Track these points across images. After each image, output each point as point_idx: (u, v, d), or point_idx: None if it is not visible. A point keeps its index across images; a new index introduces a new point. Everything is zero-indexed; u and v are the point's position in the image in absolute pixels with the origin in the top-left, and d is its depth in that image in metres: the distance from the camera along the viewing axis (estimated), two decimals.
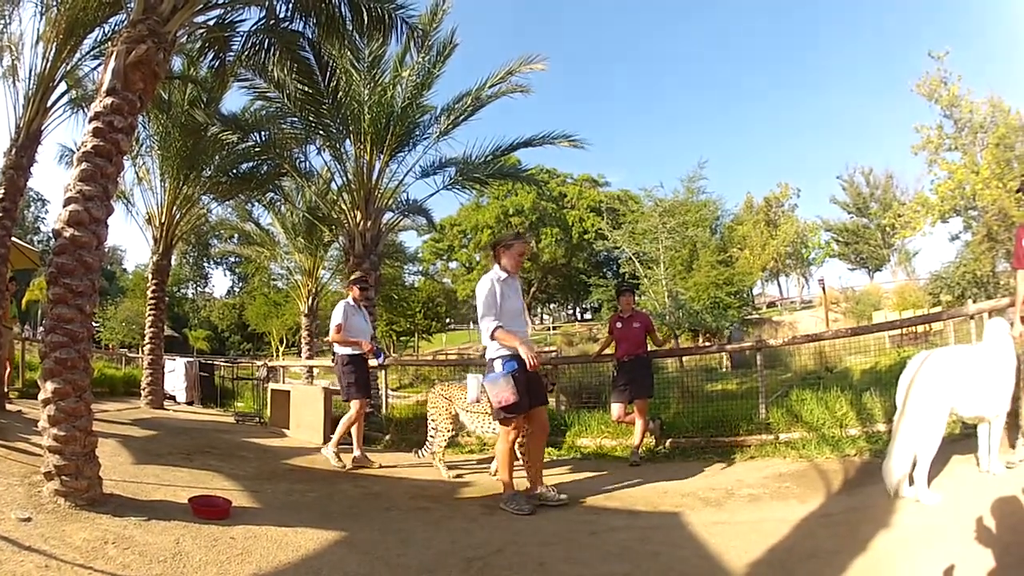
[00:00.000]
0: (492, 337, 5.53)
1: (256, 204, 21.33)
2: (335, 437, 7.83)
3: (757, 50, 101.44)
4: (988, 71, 66.75)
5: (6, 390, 10.47)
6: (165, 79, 9.45)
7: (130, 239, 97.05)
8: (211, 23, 7.99)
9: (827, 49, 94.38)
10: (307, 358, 22.04)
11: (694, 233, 29.74)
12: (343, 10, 8.40)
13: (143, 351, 15.56)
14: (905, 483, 4.68)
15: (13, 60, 9.57)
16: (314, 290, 23.06)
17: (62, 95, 9.95)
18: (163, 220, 14.61)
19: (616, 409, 7.64)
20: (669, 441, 7.96)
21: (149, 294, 15.02)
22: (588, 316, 64.81)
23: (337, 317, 7.96)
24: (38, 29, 9.26)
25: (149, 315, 14.78)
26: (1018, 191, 20.55)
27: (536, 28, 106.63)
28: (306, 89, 11.16)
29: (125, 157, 5.61)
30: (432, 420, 7.33)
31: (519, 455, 6.07)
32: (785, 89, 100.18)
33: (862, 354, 10.59)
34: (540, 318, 75.24)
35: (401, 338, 45.79)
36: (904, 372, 5.08)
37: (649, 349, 7.94)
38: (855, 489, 5.44)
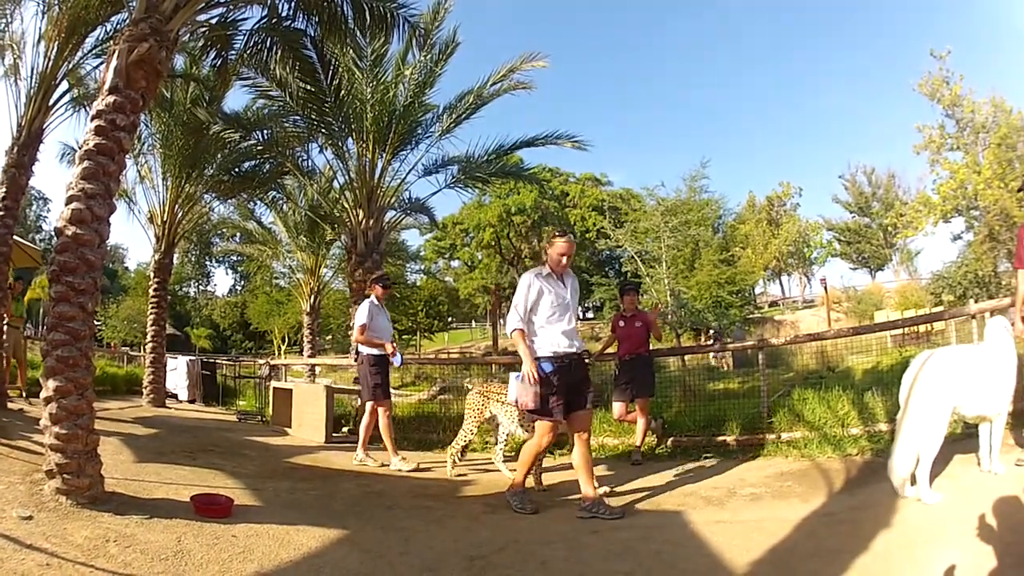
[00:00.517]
0: (512, 336, 5.42)
1: (258, 202, 21.35)
2: (389, 449, 7.64)
3: (759, 48, 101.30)
4: (990, 70, 66.74)
5: (9, 389, 10.51)
6: (167, 78, 9.46)
7: (132, 237, 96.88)
8: (213, 21, 7.99)
9: (830, 48, 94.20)
10: (309, 356, 22.08)
11: (696, 232, 29.80)
12: (345, 8, 8.38)
13: (145, 349, 15.58)
14: (907, 483, 4.68)
15: (15, 59, 9.57)
16: (316, 288, 23.13)
17: (64, 94, 9.96)
18: (165, 218, 14.61)
19: (618, 408, 7.62)
20: (671, 440, 7.95)
21: (151, 292, 15.03)
22: (590, 315, 64.72)
23: (362, 317, 7.73)
24: (40, 28, 9.27)
25: (151, 313, 14.80)
26: (1020, 191, 20.55)
27: (539, 26, 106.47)
28: (308, 87, 11.17)
29: (127, 155, 5.62)
30: (465, 419, 7.19)
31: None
32: (787, 88, 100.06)
33: (864, 354, 10.59)
34: None
35: (403, 337, 45.78)
36: (907, 371, 5.08)
37: (651, 348, 7.95)
38: (857, 488, 5.44)
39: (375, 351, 7.75)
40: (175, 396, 16.43)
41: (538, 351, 5.29)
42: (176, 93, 13.33)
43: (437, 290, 51.70)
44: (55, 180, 59.17)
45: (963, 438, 5.64)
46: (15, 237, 10.12)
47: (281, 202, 20.62)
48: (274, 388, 12.33)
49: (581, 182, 59.42)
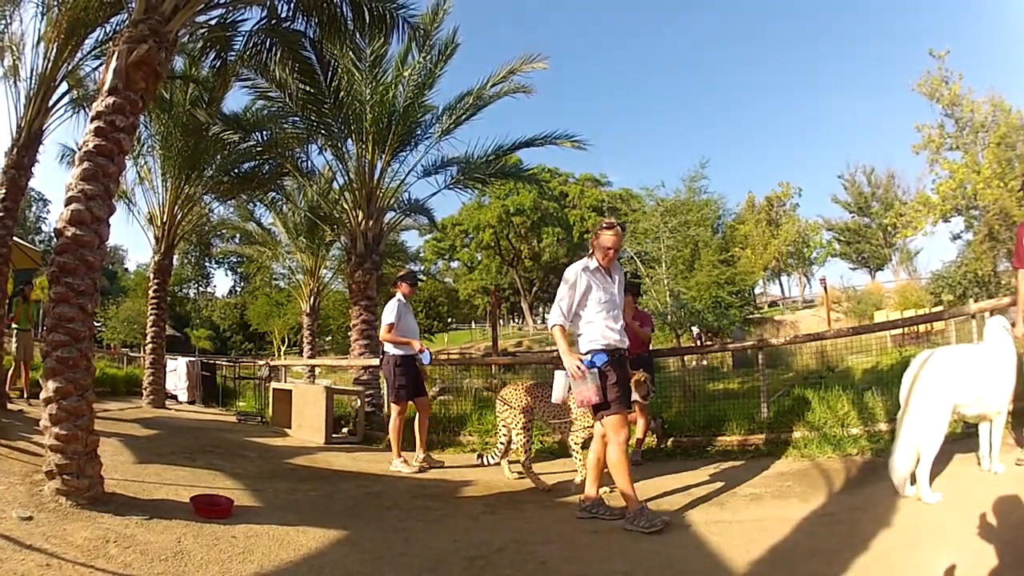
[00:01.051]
0: (551, 331, 5.17)
1: (258, 204, 21.40)
2: (394, 450, 7.61)
3: (759, 49, 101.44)
4: (990, 69, 66.77)
5: (10, 390, 10.55)
6: (167, 79, 9.47)
7: (132, 239, 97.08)
8: (212, 23, 8.02)
9: (829, 48, 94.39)
10: (309, 357, 22.09)
11: (696, 233, 29.79)
12: (344, 10, 8.39)
13: (145, 350, 15.59)
14: (907, 482, 4.69)
15: (14, 60, 9.58)
16: (316, 290, 23.15)
17: (63, 95, 9.95)
18: (165, 220, 14.62)
19: None
20: (671, 440, 7.94)
21: (151, 294, 15.05)
22: None
23: (389, 316, 7.60)
24: (39, 29, 9.27)
25: (151, 314, 14.80)
26: (1020, 190, 20.56)
27: (538, 28, 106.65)
28: (308, 89, 11.19)
29: (127, 156, 5.62)
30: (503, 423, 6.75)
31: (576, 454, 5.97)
32: (786, 88, 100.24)
33: (864, 353, 10.60)
34: (542, 317, 75.26)
35: None
36: (907, 370, 5.09)
37: (651, 348, 7.95)
38: (857, 488, 5.45)
39: (401, 351, 7.63)
40: (175, 397, 16.45)
41: (591, 344, 5.02)
42: (175, 94, 13.35)
43: (437, 291, 51.65)
44: (55, 181, 59.12)
45: (963, 437, 5.65)
46: (15, 238, 10.13)
47: (281, 203, 20.67)
48: (274, 389, 12.35)
49: (580, 183, 59.60)
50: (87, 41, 9.52)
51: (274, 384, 12.88)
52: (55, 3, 8.95)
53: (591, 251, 5.24)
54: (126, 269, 71.92)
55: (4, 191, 9.24)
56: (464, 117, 13.08)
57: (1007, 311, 6.14)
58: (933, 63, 25.35)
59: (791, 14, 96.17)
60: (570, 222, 57.22)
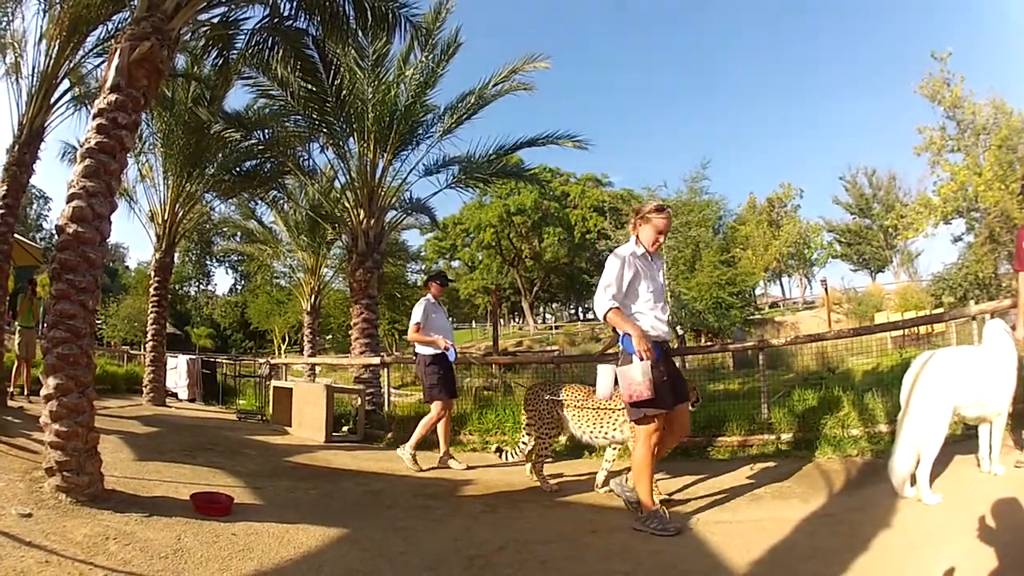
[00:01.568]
0: (605, 319, 4.76)
1: (259, 202, 21.43)
2: (413, 439, 7.44)
3: (761, 50, 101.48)
4: (992, 71, 66.72)
5: (11, 388, 10.56)
6: (169, 76, 9.48)
7: (133, 236, 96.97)
8: (215, 21, 8.02)
9: (831, 49, 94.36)
10: (309, 356, 22.10)
11: (697, 233, 29.67)
12: (347, 8, 8.38)
13: (145, 348, 15.62)
14: (907, 483, 4.69)
15: (16, 57, 9.60)
16: (317, 288, 23.19)
17: (65, 92, 10.00)
18: (166, 217, 14.67)
19: None
20: None
21: (152, 291, 15.09)
22: (591, 316, 64.74)
23: (416, 316, 7.58)
24: (41, 26, 9.30)
25: (151, 312, 14.85)
26: (1021, 193, 20.53)
27: (541, 27, 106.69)
28: (310, 87, 11.20)
29: (128, 154, 5.62)
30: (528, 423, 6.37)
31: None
32: (788, 89, 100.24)
33: (864, 355, 10.58)
34: (543, 317, 75.29)
35: (403, 337, 45.70)
36: (908, 371, 5.09)
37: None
38: (857, 489, 5.44)
39: (432, 350, 7.57)
40: (175, 395, 16.47)
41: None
42: (177, 92, 13.38)
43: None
44: (56, 179, 59.24)
45: (963, 439, 5.63)
46: (16, 235, 10.14)
47: (282, 201, 20.67)
48: (274, 387, 12.34)
49: (582, 183, 59.60)
50: (89, 39, 9.58)
51: (274, 382, 12.87)
52: (57, 0, 8.96)
53: (636, 234, 4.93)
54: (127, 267, 71.87)
55: (5, 188, 9.28)
56: (466, 116, 13.11)
57: (1007, 314, 6.14)
58: (935, 65, 25.35)
59: (794, 13, 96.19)
60: (571, 222, 57.24)
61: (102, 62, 9.39)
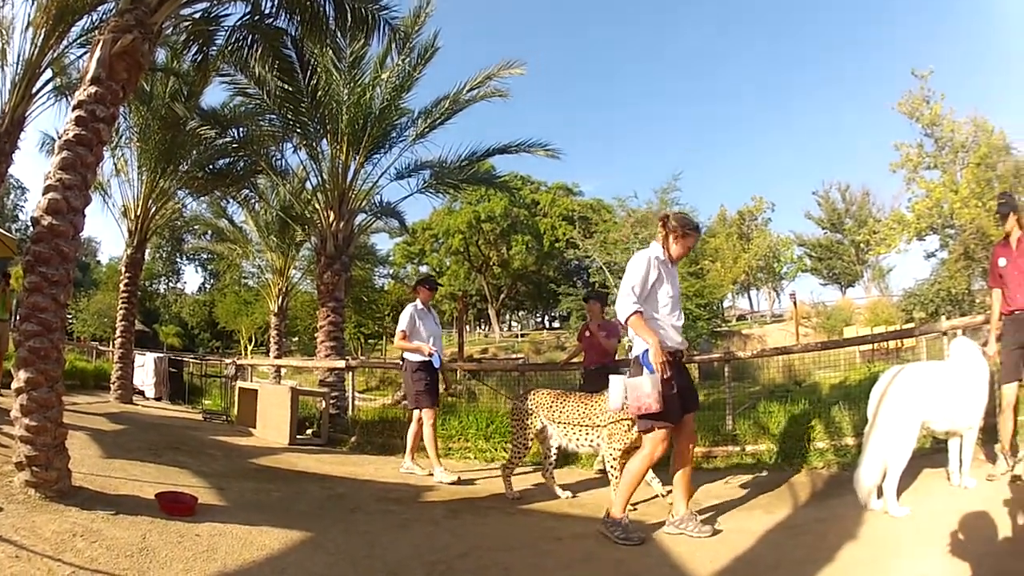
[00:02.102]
0: (627, 322, 4.58)
1: (231, 201, 21.28)
2: (431, 456, 7.25)
3: (736, 64, 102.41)
4: (973, 90, 67.80)
5: None
6: (148, 71, 9.43)
7: (105, 231, 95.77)
8: (196, 16, 7.99)
9: (808, 64, 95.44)
10: (275, 357, 21.97)
11: None
12: (327, 8, 8.38)
13: (114, 344, 15.45)
14: (874, 495, 4.77)
15: (2, 45, 9.55)
16: (284, 290, 23.11)
17: (47, 82, 9.95)
18: (139, 213, 14.58)
19: None
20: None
21: (122, 287, 14.99)
22: (556, 324, 64.88)
23: (402, 324, 7.54)
24: (28, 14, 9.23)
25: (121, 309, 14.73)
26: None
27: (518, 37, 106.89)
28: (286, 87, 11.17)
29: (105, 147, 5.60)
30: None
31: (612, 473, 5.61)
32: (762, 103, 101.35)
33: (832, 369, 10.72)
34: (509, 325, 75.29)
35: (369, 340, 45.50)
36: (876, 385, 5.18)
37: (617, 359, 7.91)
38: (822, 501, 5.53)
39: (418, 356, 7.52)
40: (142, 393, 16.32)
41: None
42: (156, 87, 13.34)
43: (405, 295, 51.49)
44: (34, 169, 58.45)
45: (932, 452, 5.74)
46: None
47: (253, 201, 20.53)
48: (240, 388, 12.29)
49: (552, 191, 59.92)
50: (74, 29, 9.49)
51: (240, 383, 12.81)
52: None
53: (666, 243, 4.82)
54: (99, 261, 70.67)
55: None
56: (440, 121, 13.10)
57: (980, 330, 6.28)
58: (915, 83, 25.63)
59: (771, 28, 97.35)
60: (540, 230, 57.43)
61: (85, 53, 9.30)
